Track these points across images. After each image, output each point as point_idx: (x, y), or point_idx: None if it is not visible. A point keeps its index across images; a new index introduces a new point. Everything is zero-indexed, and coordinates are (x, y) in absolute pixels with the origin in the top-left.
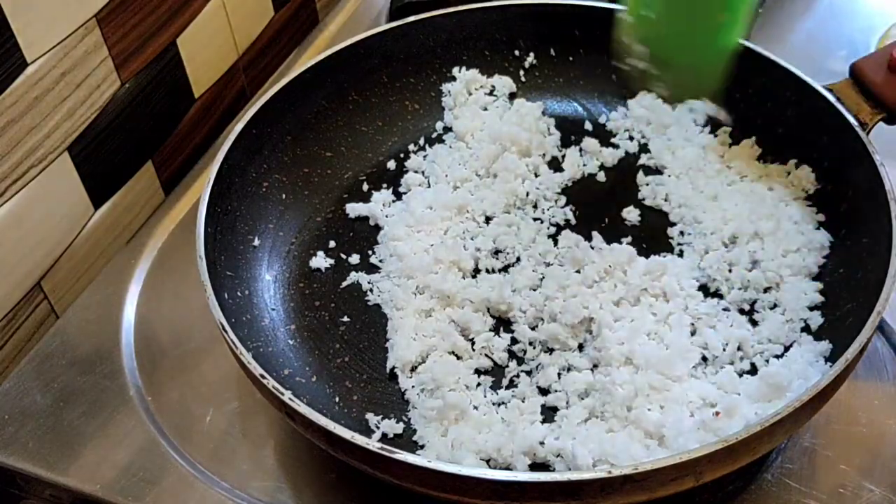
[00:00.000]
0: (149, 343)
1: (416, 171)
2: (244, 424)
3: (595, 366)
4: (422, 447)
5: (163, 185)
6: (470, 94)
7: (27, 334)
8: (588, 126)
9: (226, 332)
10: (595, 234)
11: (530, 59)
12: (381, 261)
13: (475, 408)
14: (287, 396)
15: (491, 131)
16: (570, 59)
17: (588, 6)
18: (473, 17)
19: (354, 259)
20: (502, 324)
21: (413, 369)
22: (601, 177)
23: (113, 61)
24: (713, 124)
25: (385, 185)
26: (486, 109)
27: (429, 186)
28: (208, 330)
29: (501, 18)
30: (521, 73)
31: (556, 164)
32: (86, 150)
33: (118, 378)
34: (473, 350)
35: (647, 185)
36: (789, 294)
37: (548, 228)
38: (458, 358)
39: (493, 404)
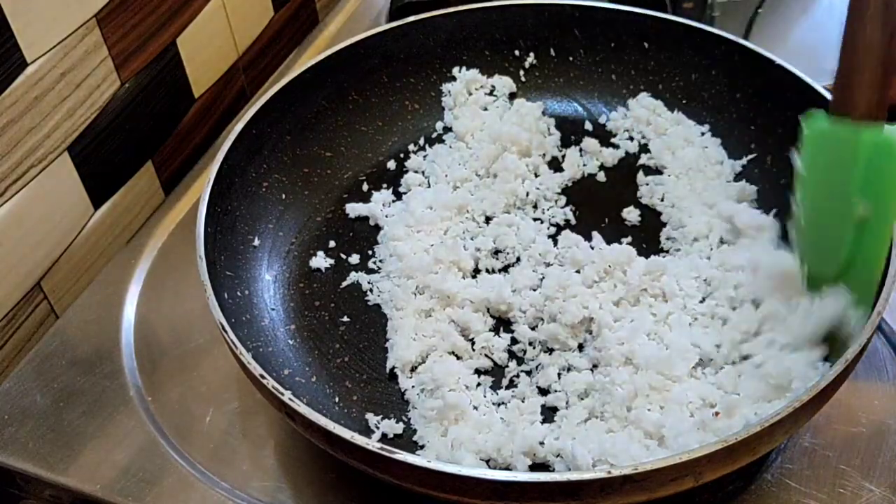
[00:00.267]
0: (149, 343)
1: (416, 171)
2: (244, 424)
3: (595, 366)
4: (422, 447)
5: (163, 185)
6: (470, 94)
7: (27, 334)
8: (588, 126)
9: (225, 331)
10: (595, 234)
11: (530, 59)
12: (380, 261)
13: (475, 408)
14: (287, 396)
15: (491, 131)
16: (571, 59)
17: (588, 6)
18: (473, 17)
19: (354, 259)
20: (502, 324)
21: (413, 369)
22: (601, 177)
23: (113, 61)
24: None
25: (385, 185)
26: (486, 109)
27: (429, 186)
28: (208, 330)
29: (501, 18)
30: (522, 73)
31: (556, 165)
32: (86, 150)
33: (118, 378)
34: (473, 350)
35: (647, 185)
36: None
37: (548, 228)
38: (458, 358)
39: (493, 404)
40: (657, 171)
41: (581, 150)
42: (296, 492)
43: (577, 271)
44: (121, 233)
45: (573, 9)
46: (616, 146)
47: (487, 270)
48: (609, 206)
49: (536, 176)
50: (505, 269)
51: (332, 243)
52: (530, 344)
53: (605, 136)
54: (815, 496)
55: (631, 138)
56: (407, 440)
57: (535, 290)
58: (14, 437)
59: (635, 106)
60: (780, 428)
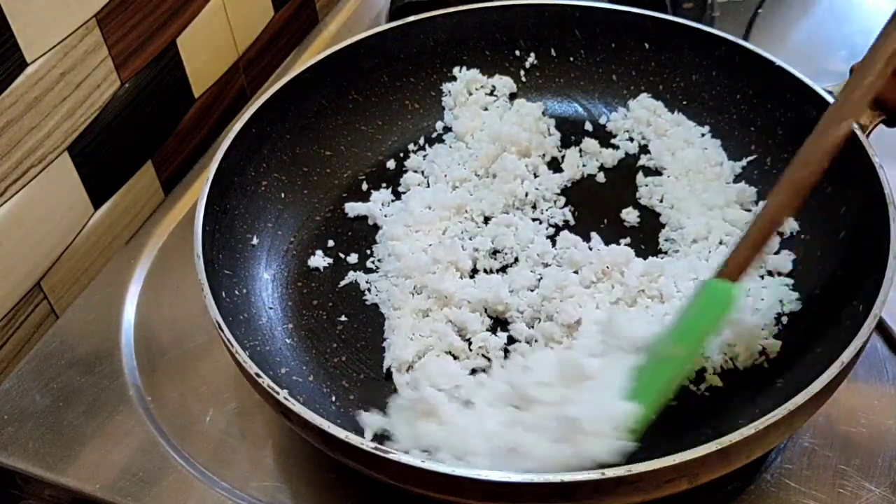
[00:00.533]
0: (149, 343)
1: (415, 171)
2: (244, 424)
3: None
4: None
5: (163, 185)
6: (470, 94)
7: (27, 334)
8: (588, 127)
9: (222, 330)
10: (594, 234)
11: (531, 59)
12: (379, 260)
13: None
14: (282, 395)
15: (491, 131)
16: (571, 59)
17: (588, 6)
18: (473, 17)
19: (353, 258)
20: (499, 324)
21: (408, 369)
22: (601, 177)
23: (113, 61)
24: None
25: (384, 185)
26: (486, 109)
27: (428, 186)
28: (208, 330)
29: (502, 18)
30: (522, 73)
31: (555, 165)
32: (86, 150)
33: (118, 378)
34: (470, 350)
35: (647, 186)
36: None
37: (546, 229)
38: (455, 358)
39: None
40: (657, 172)
41: (581, 150)
42: (295, 492)
43: (576, 272)
44: (121, 233)
45: (574, 9)
46: (616, 147)
47: (485, 270)
48: (608, 206)
49: (536, 176)
50: (503, 269)
51: (330, 242)
52: (527, 342)
53: (605, 137)
54: (815, 496)
55: (631, 139)
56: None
57: (532, 290)
58: (14, 437)
59: (635, 107)
60: (775, 430)
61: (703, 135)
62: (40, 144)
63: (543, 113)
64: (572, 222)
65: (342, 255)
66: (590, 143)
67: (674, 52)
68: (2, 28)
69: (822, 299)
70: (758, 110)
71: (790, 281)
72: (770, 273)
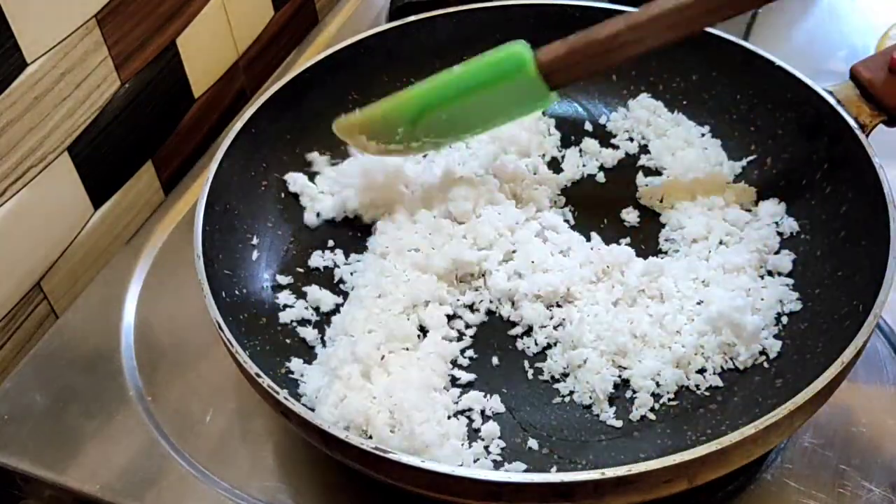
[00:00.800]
0: (149, 343)
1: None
2: (244, 424)
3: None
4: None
5: (163, 185)
6: None
7: (27, 334)
8: (588, 127)
9: (222, 330)
10: (593, 234)
11: None
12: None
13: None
14: (283, 395)
15: (491, 131)
16: None
17: (588, 6)
18: (473, 17)
19: (352, 258)
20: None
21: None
22: (601, 178)
23: (113, 61)
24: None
25: None
26: None
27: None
28: (208, 330)
29: (502, 18)
30: None
31: (555, 165)
32: (86, 150)
33: (118, 378)
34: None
35: (647, 186)
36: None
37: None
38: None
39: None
40: (657, 172)
41: (581, 150)
42: (295, 492)
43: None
44: (121, 233)
45: (574, 9)
46: (616, 147)
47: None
48: (608, 206)
49: (536, 176)
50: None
51: (330, 242)
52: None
53: (604, 137)
54: (815, 496)
55: (631, 139)
56: None
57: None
58: (14, 437)
59: (635, 107)
60: (774, 431)
61: (703, 135)
62: (40, 144)
63: (543, 113)
64: (572, 222)
65: (342, 255)
66: (590, 143)
67: (674, 52)
68: (2, 28)
69: (822, 299)
70: (758, 110)
71: (790, 281)
72: (770, 273)
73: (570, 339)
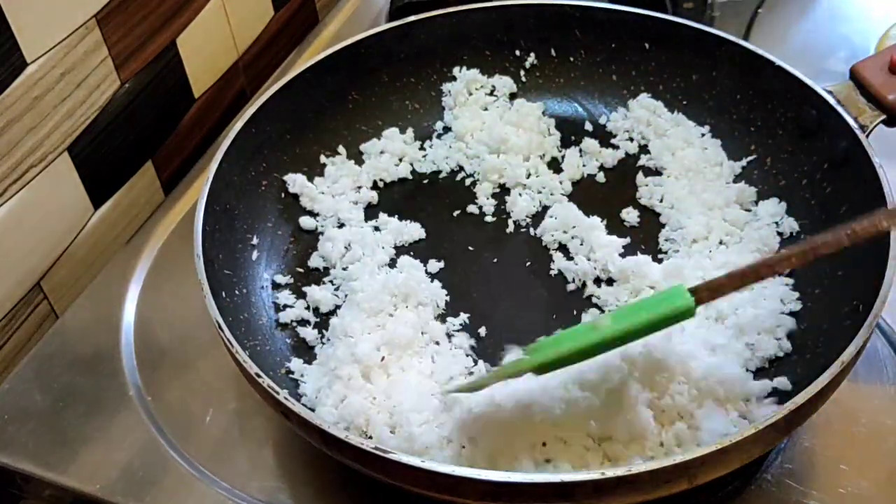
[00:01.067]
0: (148, 343)
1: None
2: (244, 424)
3: None
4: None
5: (163, 185)
6: (470, 93)
7: (27, 334)
8: (588, 127)
9: (222, 330)
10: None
11: (531, 59)
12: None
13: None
14: (283, 395)
15: (491, 131)
16: (571, 59)
17: (588, 6)
18: (473, 17)
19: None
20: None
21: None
22: (601, 177)
23: (113, 61)
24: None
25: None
26: (486, 109)
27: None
28: (208, 330)
29: (502, 18)
30: (522, 73)
31: (555, 165)
32: (86, 150)
33: (118, 378)
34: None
35: (647, 186)
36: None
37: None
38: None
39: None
40: (657, 172)
41: (581, 150)
42: (295, 492)
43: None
44: (121, 233)
45: (574, 9)
46: (616, 147)
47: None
48: (608, 206)
49: (536, 176)
50: None
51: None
52: None
53: (605, 137)
54: (815, 496)
55: (631, 139)
56: None
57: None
58: (14, 437)
59: (635, 107)
60: (775, 430)
61: (703, 135)
62: (40, 144)
63: (543, 113)
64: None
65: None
66: (590, 143)
67: (674, 52)
68: (2, 28)
69: (822, 299)
70: (758, 110)
71: (790, 281)
72: None
73: None
